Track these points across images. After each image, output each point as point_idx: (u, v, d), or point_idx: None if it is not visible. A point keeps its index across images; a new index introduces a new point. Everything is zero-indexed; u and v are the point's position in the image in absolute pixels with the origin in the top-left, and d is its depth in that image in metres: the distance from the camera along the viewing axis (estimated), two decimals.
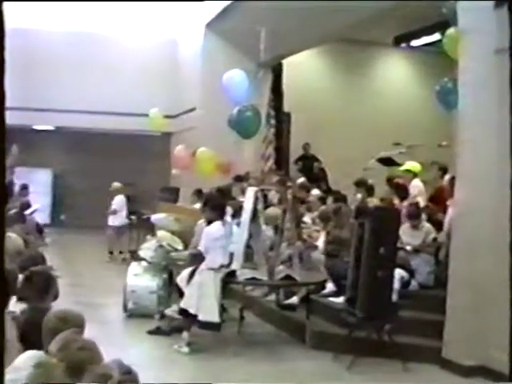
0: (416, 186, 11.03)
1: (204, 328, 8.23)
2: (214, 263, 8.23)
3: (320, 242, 10.07)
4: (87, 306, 9.04)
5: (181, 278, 8.49)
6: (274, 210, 10.07)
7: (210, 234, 8.31)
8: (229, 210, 8.39)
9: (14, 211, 9.83)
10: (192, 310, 8.07)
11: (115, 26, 19.78)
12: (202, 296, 8.09)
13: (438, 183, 11.23)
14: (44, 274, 4.96)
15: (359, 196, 11.09)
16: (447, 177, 10.46)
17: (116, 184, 15.98)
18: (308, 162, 16.49)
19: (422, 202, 10.54)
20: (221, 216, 8.47)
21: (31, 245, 7.99)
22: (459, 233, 7.86)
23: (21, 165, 15.02)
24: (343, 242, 9.40)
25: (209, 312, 8.07)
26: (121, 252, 15.70)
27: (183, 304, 8.19)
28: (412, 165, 11.49)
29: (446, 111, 9.41)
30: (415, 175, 11.26)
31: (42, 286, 4.78)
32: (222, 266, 8.30)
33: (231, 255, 8.53)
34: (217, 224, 8.36)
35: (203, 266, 8.28)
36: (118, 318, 9.98)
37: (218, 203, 8.71)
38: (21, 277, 4.84)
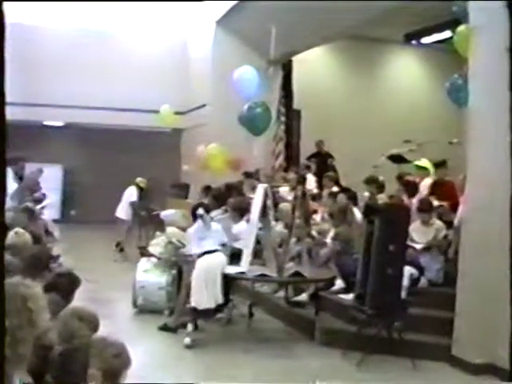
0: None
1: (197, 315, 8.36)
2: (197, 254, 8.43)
3: (329, 239, 10.07)
4: (97, 301, 9.03)
5: None
6: (286, 206, 10.07)
7: (188, 234, 8.78)
8: (200, 210, 8.47)
9: (23, 205, 9.82)
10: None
11: (127, 23, 19.86)
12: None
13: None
14: (70, 277, 5.01)
15: (368, 193, 11.07)
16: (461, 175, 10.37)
17: (139, 179, 15.90)
18: (321, 160, 16.39)
19: (435, 202, 10.40)
20: (194, 216, 8.65)
21: (40, 240, 7.99)
22: (469, 230, 7.83)
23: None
24: (351, 239, 9.41)
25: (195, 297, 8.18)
26: (118, 244, 15.67)
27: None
28: (427, 162, 11.33)
29: (457, 108, 9.37)
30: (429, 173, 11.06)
31: (67, 288, 4.83)
32: (206, 253, 8.33)
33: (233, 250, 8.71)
34: (195, 224, 8.60)
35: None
36: (128, 313, 10.02)
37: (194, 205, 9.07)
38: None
